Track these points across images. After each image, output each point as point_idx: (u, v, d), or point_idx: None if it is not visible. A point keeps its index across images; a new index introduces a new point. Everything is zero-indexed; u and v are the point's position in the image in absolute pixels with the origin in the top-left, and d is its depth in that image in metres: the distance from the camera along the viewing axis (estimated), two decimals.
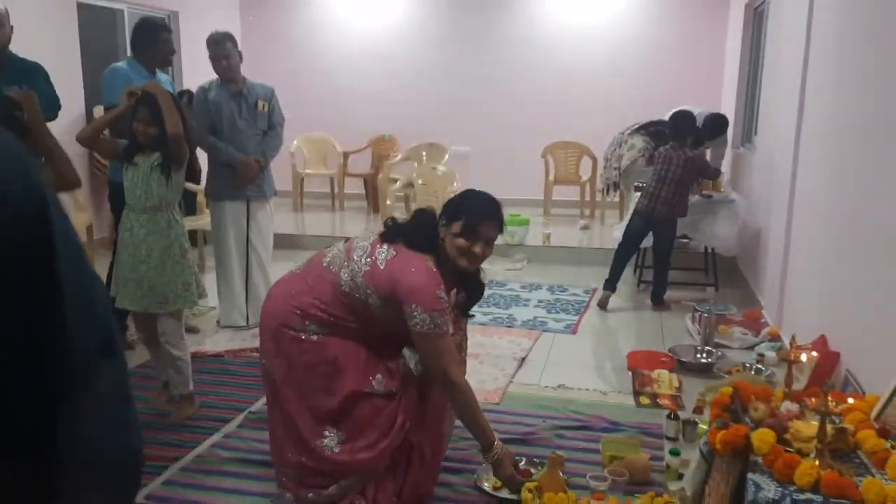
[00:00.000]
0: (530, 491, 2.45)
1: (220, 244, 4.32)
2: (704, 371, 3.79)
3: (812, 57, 3.94)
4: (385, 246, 2.35)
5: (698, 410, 3.25)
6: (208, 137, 4.13)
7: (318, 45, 8.68)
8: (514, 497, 2.56)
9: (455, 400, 2.39)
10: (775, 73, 4.95)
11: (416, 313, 2.25)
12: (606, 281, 5.01)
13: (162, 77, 4.04)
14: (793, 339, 2.44)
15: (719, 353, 3.92)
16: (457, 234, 2.34)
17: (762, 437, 1.93)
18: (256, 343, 4.04)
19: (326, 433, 2.33)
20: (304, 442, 2.34)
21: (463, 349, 2.77)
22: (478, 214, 2.36)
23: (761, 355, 3.86)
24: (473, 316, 2.73)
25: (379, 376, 2.35)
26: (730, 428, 2.03)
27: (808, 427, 2.00)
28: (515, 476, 2.47)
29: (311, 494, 2.38)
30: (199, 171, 3.70)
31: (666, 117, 6.50)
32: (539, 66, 8.17)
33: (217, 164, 4.23)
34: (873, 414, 2.13)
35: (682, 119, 5.07)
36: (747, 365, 3.74)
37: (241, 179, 4.19)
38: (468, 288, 2.55)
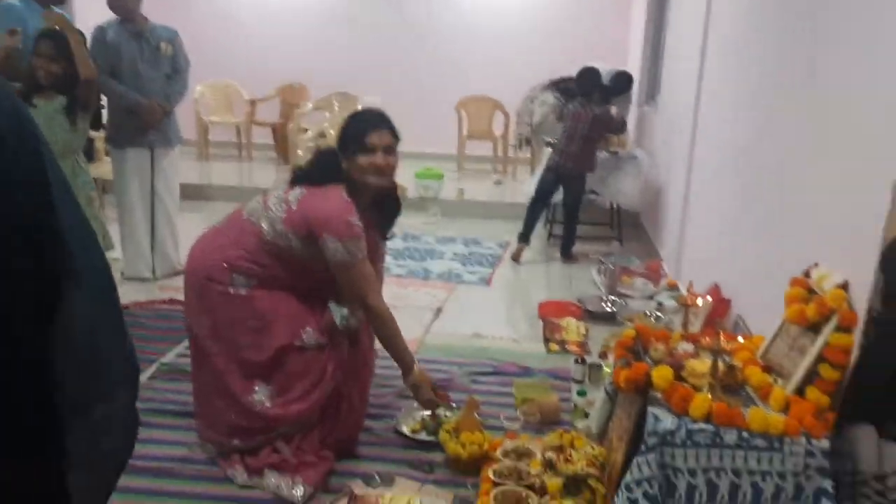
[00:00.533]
0: (448, 432, 2.55)
1: (122, 193, 4.16)
2: (609, 319, 4.00)
3: (712, 20, 4.12)
4: (296, 189, 2.39)
5: (603, 355, 3.44)
6: (108, 80, 3.93)
7: None
8: (432, 439, 2.66)
9: (375, 326, 2.45)
10: (678, 34, 5.15)
11: (330, 243, 2.28)
12: (520, 234, 5.16)
13: (58, 13, 3.80)
14: (690, 285, 2.62)
15: (622, 303, 4.14)
16: (355, 155, 2.36)
17: (661, 374, 2.08)
18: (163, 295, 4.02)
19: (256, 388, 2.35)
20: (233, 398, 2.35)
21: (381, 276, 2.76)
22: (365, 127, 2.39)
23: (661, 304, 4.09)
24: (394, 236, 2.74)
25: (309, 329, 2.37)
26: (632, 366, 2.18)
27: (702, 364, 2.17)
28: (434, 398, 2.54)
29: (235, 441, 2.40)
30: (101, 116, 3.54)
31: (575, 74, 6.68)
32: (452, 21, 8.15)
33: (118, 109, 4.04)
34: (759, 353, 2.33)
35: (589, 75, 5.23)
36: (648, 313, 3.96)
37: (145, 125, 4.03)
38: (386, 208, 2.57)
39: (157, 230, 4.23)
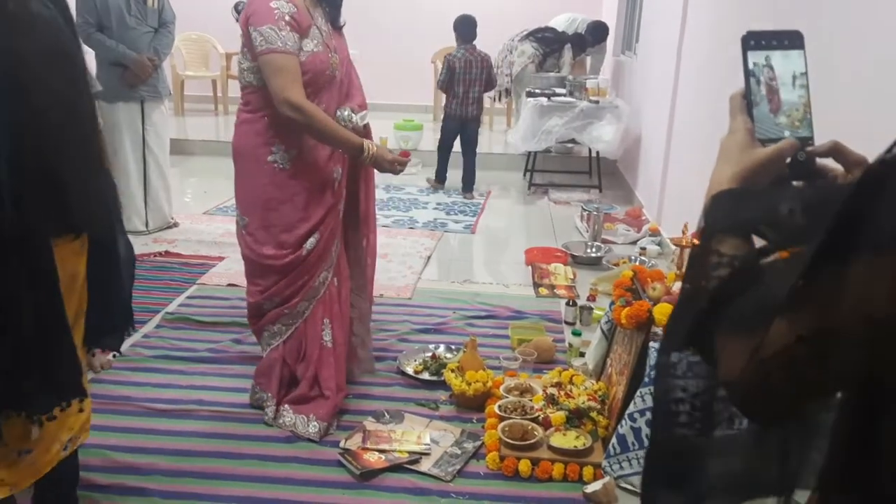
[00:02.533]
0: (452, 370, 2.67)
1: (114, 147, 4.13)
2: (594, 264, 4.13)
3: None
4: None
5: (592, 298, 3.57)
6: (96, 34, 3.89)
7: None
8: (434, 378, 2.78)
9: (302, 122, 2.21)
10: None
11: (252, 35, 2.17)
12: (436, 174, 5.71)
13: None
14: (685, 227, 2.74)
15: (607, 248, 4.28)
16: None
17: (663, 311, 2.21)
18: (158, 247, 4.05)
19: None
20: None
21: (357, 82, 2.54)
22: None
23: (643, 248, 4.24)
24: (344, 24, 2.48)
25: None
26: (633, 305, 2.31)
27: None
28: (397, 158, 2.45)
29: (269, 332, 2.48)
30: None
31: (551, 23, 6.72)
32: None
33: (107, 63, 4.00)
34: None
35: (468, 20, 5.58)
36: (632, 258, 4.11)
37: (135, 79, 4.00)
38: None
39: (150, 183, 4.23)
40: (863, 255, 0.54)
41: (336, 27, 2.42)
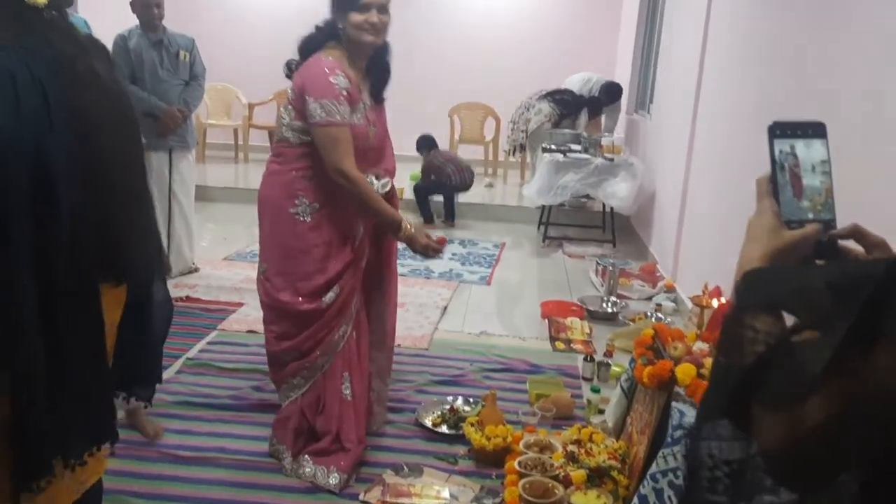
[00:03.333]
0: (472, 425, 2.68)
1: None
2: (610, 319, 4.15)
3: (711, 28, 4.29)
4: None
5: (609, 354, 3.58)
6: (130, 86, 4.04)
7: None
8: (453, 432, 2.79)
9: (349, 192, 2.34)
10: (674, 45, 5.33)
11: (310, 105, 2.27)
12: (426, 218, 6.31)
13: (76, 19, 3.87)
14: (705, 287, 2.77)
15: (623, 304, 4.30)
16: (349, 13, 2.31)
17: (685, 371, 2.23)
18: (179, 293, 4.10)
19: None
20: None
21: (391, 150, 2.65)
22: None
23: (659, 305, 4.26)
24: (385, 99, 2.58)
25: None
26: (656, 364, 2.33)
27: None
28: (431, 244, 2.48)
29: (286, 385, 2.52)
30: None
31: (566, 84, 6.90)
32: (445, 31, 8.30)
33: (139, 113, 4.13)
34: None
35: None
36: (648, 314, 4.13)
37: (165, 129, 4.14)
38: (375, 72, 2.49)
39: (174, 230, 4.32)
40: (886, 338, 0.60)
41: (378, 101, 2.54)
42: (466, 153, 7.99)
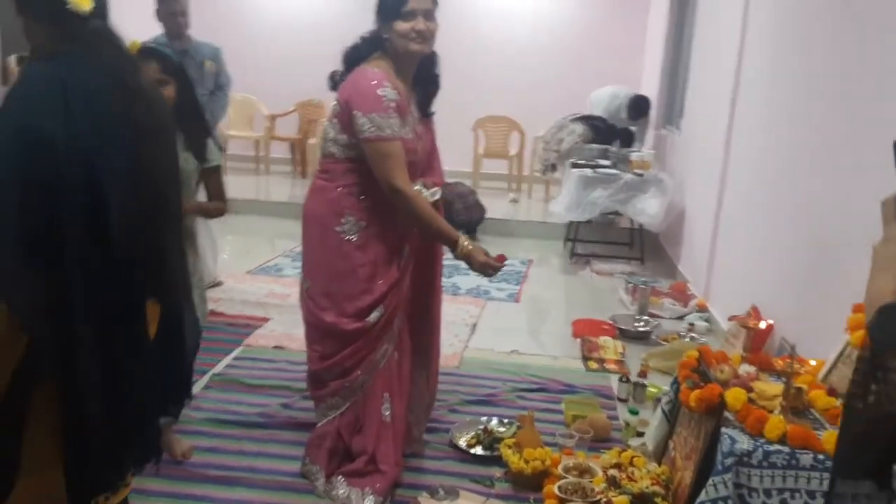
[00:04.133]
0: (509, 447, 2.60)
1: None
2: (642, 338, 4.06)
3: (747, 44, 4.21)
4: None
5: (643, 374, 3.48)
6: None
7: (243, 5, 8.42)
8: (488, 454, 2.71)
9: (404, 208, 2.28)
10: (706, 58, 5.25)
11: (359, 119, 2.19)
12: None
13: None
14: (752, 308, 2.68)
15: (655, 323, 4.21)
16: (394, 21, 2.24)
17: (735, 396, 2.14)
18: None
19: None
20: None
21: (434, 155, 2.59)
22: None
23: (692, 325, 4.16)
24: (434, 113, 2.53)
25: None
26: (704, 388, 2.24)
27: (771, 387, 2.24)
28: (490, 262, 2.36)
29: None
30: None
31: (593, 99, 6.85)
32: (469, 43, 8.24)
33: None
34: (820, 376, 2.40)
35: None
36: (681, 334, 4.03)
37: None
38: (423, 83, 2.43)
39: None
40: None
41: (425, 115, 2.47)
42: (491, 167, 7.97)
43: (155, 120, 1.38)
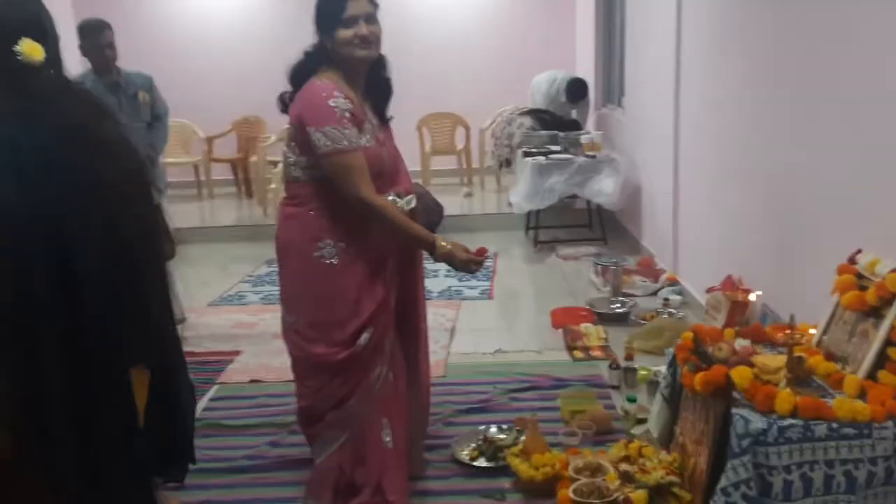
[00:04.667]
0: (516, 455, 2.53)
1: None
2: (621, 320, 4.04)
3: (684, 15, 4.22)
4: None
5: (629, 357, 3.45)
6: None
7: (167, 26, 8.14)
8: (492, 465, 2.64)
9: (375, 219, 2.21)
10: (643, 34, 5.26)
11: (314, 135, 2.11)
12: None
13: None
14: (739, 280, 2.66)
15: (631, 303, 4.19)
16: (335, 30, 2.16)
17: (742, 374, 2.10)
18: None
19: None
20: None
21: (399, 161, 2.46)
22: (333, 2, 2.18)
23: (666, 300, 4.16)
24: (392, 118, 2.44)
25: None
26: (708, 370, 2.20)
27: (771, 359, 2.21)
28: (472, 258, 2.29)
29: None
30: None
31: (533, 86, 6.84)
32: (405, 43, 8.07)
33: None
34: (814, 341, 2.39)
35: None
36: (658, 311, 4.03)
37: None
38: (376, 89, 2.35)
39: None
40: None
41: (383, 121, 2.38)
42: (439, 164, 7.89)
43: (121, 171, 1.26)
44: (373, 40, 2.21)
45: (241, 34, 8.16)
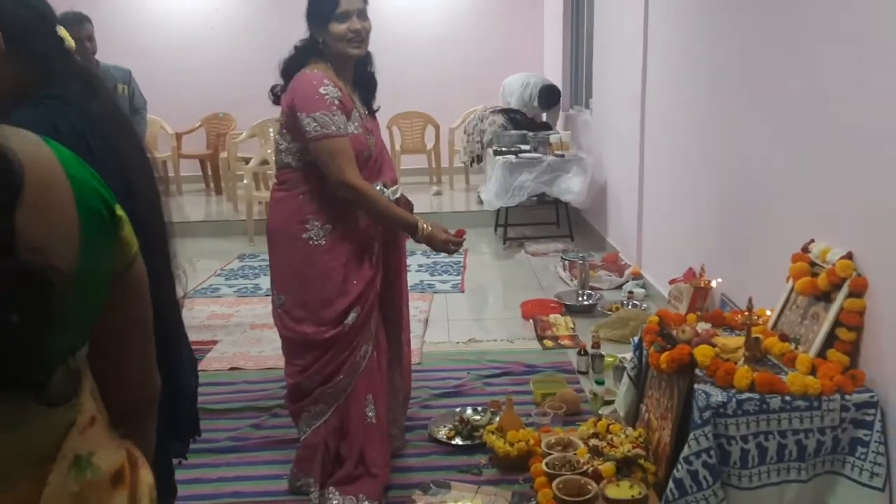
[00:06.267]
0: (492, 432, 2.66)
1: None
2: (588, 311, 4.20)
3: (651, 19, 4.40)
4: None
5: (596, 345, 3.61)
6: None
7: (135, 22, 8.10)
8: (469, 442, 2.76)
9: (359, 204, 2.29)
10: (610, 36, 5.44)
11: (303, 120, 2.20)
12: None
13: None
14: (702, 270, 2.83)
15: (597, 295, 4.36)
16: (328, 25, 2.25)
17: (704, 353, 2.27)
18: None
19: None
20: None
21: (385, 153, 2.54)
22: None
23: (630, 292, 4.34)
24: (378, 108, 2.53)
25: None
26: (672, 349, 2.36)
27: (731, 340, 2.38)
28: (451, 238, 2.43)
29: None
30: None
31: (505, 87, 6.98)
32: (373, 41, 8.09)
33: None
34: (769, 324, 2.57)
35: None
36: (624, 303, 4.20)
37: None
38: (363, 82, 2.45)
39: None
40: None
41: (370, 112, 2.48)
42: (409, 163, 8.00)
43: (141, 156, 1.35)
44: (364, 36, 2.33)
45: (210, 30, 8.17)
